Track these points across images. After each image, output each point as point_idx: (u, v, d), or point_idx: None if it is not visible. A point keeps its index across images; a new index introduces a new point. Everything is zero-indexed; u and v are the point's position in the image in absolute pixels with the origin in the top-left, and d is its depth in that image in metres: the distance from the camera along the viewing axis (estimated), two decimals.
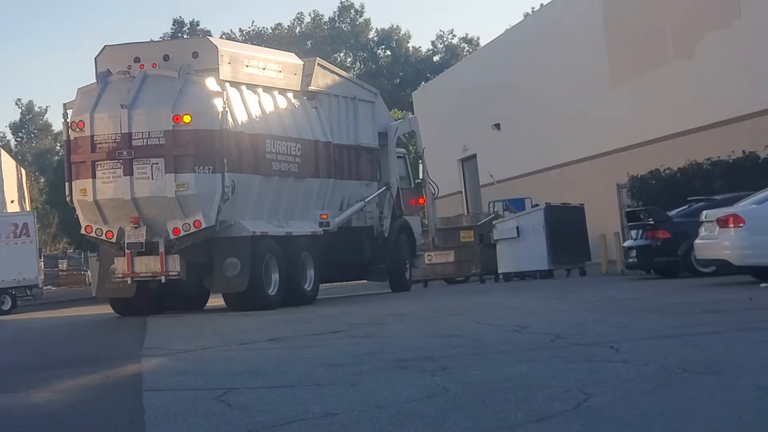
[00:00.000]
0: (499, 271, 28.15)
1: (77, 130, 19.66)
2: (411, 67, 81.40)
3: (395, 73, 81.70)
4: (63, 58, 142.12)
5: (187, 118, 19.12)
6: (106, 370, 11.45)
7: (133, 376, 10.48)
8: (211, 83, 19.58)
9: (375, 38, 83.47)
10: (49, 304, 38.51)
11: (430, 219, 27.32)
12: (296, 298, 20.73)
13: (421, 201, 27.14)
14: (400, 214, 25.73)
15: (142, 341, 14.54)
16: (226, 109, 19.51)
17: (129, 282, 19.79)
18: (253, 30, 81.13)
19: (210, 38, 23.69)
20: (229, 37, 75.13)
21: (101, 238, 19.88)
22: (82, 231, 20.33)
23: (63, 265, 62.59)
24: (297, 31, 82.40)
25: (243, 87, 20.53)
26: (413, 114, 43.64)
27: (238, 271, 19.59)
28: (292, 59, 22.55)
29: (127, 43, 21.16)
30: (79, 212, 20.14)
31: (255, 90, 20.90)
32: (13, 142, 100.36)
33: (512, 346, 10.78)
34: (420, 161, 27.42)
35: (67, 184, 20.02)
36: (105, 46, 20.60)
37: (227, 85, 19.90)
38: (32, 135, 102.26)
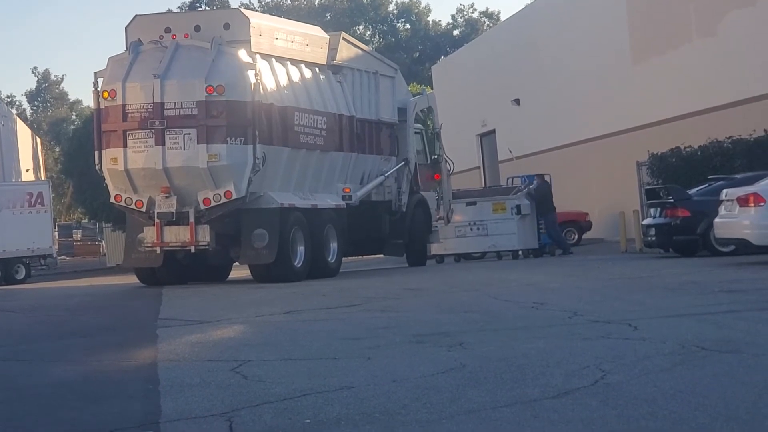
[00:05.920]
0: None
1: (108, 99, 19.69)
2: (430, 41, 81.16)
3: (414, 47, 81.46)
4: (79, 27, 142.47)
5: (220, 89, 19.18)
6: (121, 339, 11.48)
7: (148, 346, 10.49)
8: (243, 55, 19.62)
9: (394, 11, 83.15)
10: (63, 274, 38.65)
11: (445, 195, 27.29)
12: (320, 271, 20.84)
13: (437, 177, 27.10)
14: (417, 189, 25.73)
15: (158, 312, 14.57)
16: (258, 81, 19.56)
17: (158, 251, 19.88)
18: (271, 1, 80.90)
19: (242, 10, 23.74)
20: (247, 7, 74.93)
21: (131, 207, 19.94)
22: (111, 200, 20.39)
23: (77, 235, 62.83)
24: (316, 3, 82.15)
25: (273, 59, 20.57)
26: (431, 89, 43.82)
27: (266, 243, 19.69)
28: (318, 33, 22.67)
29: (158, 13, 21.31)
30: (108, 181, 20.19)
31: (284, 63, 20.93)
32: (28, 111, 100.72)
33: (529, 322, 10.74)
34: (436, 138, 27.39)
35: (96, 152, 20.05)
36: (135, 15, 20.62)
37: (258, 57, 19.92)
38: (48, 104, 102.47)
